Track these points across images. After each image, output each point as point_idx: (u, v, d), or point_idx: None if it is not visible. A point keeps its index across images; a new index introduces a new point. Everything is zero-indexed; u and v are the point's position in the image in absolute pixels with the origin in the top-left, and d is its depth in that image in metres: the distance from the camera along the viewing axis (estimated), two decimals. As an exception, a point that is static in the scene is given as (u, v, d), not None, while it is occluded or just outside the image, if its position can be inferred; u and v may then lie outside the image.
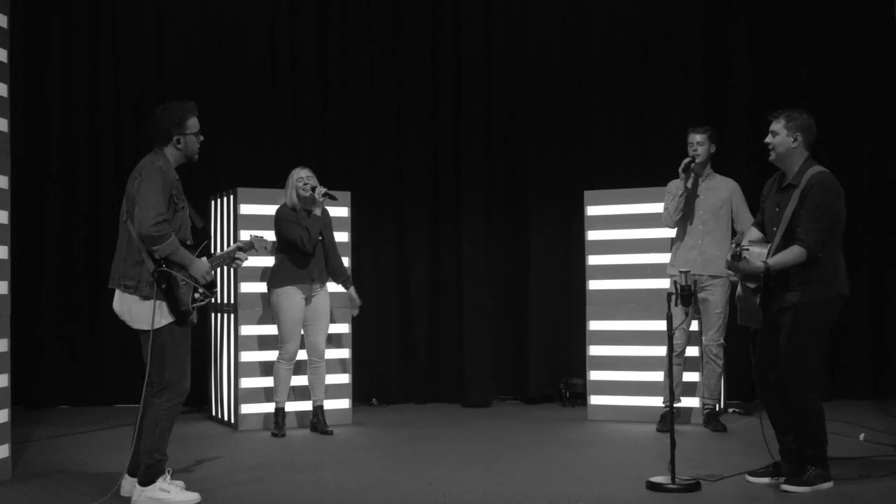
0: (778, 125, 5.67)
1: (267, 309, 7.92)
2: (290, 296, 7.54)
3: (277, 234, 7.52)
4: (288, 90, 9.83)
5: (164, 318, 5.25)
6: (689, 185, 7.59)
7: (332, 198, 7.58)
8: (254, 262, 7.29)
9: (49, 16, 9.57)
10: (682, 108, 9.52)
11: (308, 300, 7.62)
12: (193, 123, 5.44)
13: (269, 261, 7.72)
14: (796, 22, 9.65)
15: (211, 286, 5.45)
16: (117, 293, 5.36)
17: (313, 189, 7.50)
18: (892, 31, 7.34)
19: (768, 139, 5.70)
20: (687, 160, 7.58)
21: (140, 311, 5.27)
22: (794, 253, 5.44)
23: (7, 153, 6.07)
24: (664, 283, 7.83)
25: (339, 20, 9.88)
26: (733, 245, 5.43)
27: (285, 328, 7.58)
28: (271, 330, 7.93)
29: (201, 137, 5.50)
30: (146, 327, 5.25)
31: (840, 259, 5.59)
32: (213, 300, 5.49)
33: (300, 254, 7.48)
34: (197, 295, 5.31)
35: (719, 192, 7.73)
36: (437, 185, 9.91)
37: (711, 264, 7.56)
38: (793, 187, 5.59)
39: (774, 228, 5.63)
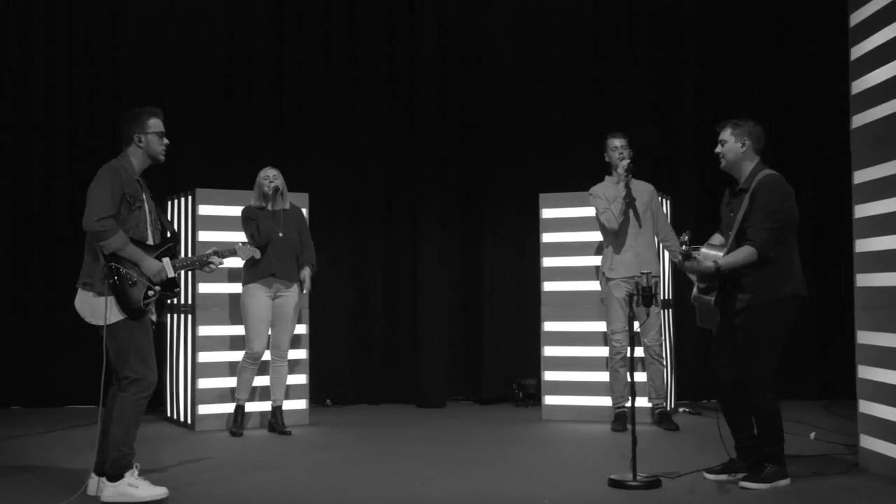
0: (725, 133, 5.83)
1: (225, 309, 7.96)
2: (254, 294, 7.59)
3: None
4: (244, 93, 9.84)
5: (115, 314, 5.31)
6: (627, 187, 7.78)
7: (277, 189, 7.65)
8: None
9: (6, 16, 9.50)
10: (634, 113, 9.70)
11: (274, 298, 7.65)
12: (155, 123, 5.52)
13: (233, 263, 7.73)
14: (743, 26, 9.90)
15: (171, 285, 5.49)
16: (79, 291, 5.43)
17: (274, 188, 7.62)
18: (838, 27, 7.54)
19: (718, 149, 5.86)
20: (627, 162, 7.76)
21: (96, 307, 5.35)
22: (743, 252, 5.57)
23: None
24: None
25: (295, 22, 9.90)
26: (681, 245, 5.56)
27: (249, 326, 7.63)
28: (228, 330, 7.97)
29: (166, 140, 5.56)
30: (101, 323, 5.31)
31: (794, 259, 5.72)
32: (173, 300, 5.54)
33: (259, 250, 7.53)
34: (151, 293, 5.36)
35: (642, 195, 7.95)
36: (393, 187, 9.97)
37: (646, 264, 7.71)
38: (744, 192, 5.74)
39: (729, 232, 5.77)
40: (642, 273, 6.00)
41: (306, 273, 7.76)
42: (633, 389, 6.03)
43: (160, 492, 5.35)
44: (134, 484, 5.31)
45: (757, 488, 5.56)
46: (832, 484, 5.73)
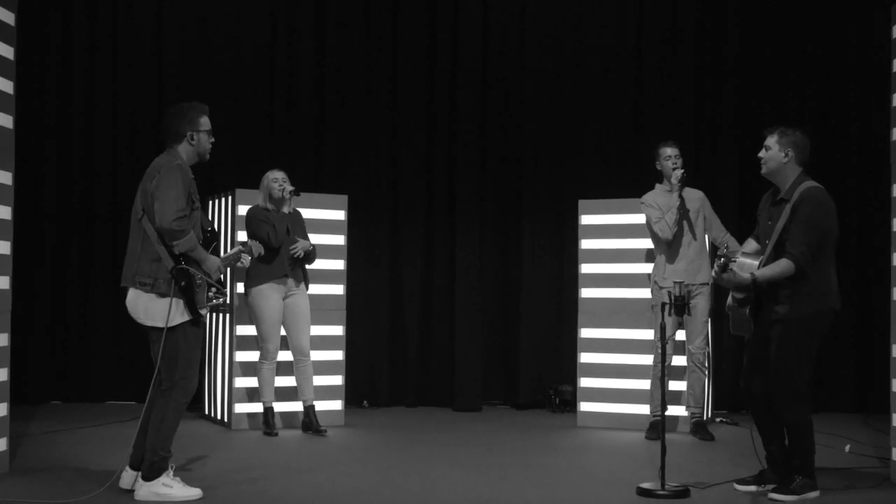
0: (771, 140, 5.78)
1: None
2: (266, 295, 7.65)
3: (249, 234, 7.66)
4: (284, 94, 9.91)
5: (180, 315, 5.32)
6: (681, 197, 7.74)
7: (296, 194, 7.76)
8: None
9: (47, 14, 9.64)
10: (675, 118, 9.66)
11: (286, 298, 7.72)
12: (205, 122, 5.54)
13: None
14: (788, 29, 9.79)
15: (221, 285, 5.54)
16: (131, 291, 5.39)
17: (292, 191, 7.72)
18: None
19: (761, 153, 5.81)
20: (681, 172, 7.71)
21: (156, 309, 5.32)
22: (781, 266, 5.53)
23: (11, 150, 6.13)
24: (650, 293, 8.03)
25: (336, 26, 9.95)
26: (719, 257, 5.53)
27: (263, 327, 7.69)
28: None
29: (212, 138, 5.59)
30: (161, 325, 5.30)
31: (831, 273, 5.67)
32: (224, 300, 5.58)
33: (270, 251, 7.59)
34: (211, 293, 5.39)
35: (693, 202, 7.91)
36: (432, 192, 9.99)
37: (699, 273, 7.72)
38: (785, 202, 5.69)
39: (767, 241, 5.73)
40: (675, 282, 5.98)
41: (303, 245, 7.69)
42: (664, 399, 6.02)
43: (195, 493, 5.40)
44: (168, 484, 5.37)
45: (786, 500, 5.52)
46: (861, 498, 5.67)
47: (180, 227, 5.22)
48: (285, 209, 7.76)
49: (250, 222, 7.67)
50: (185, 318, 5.32)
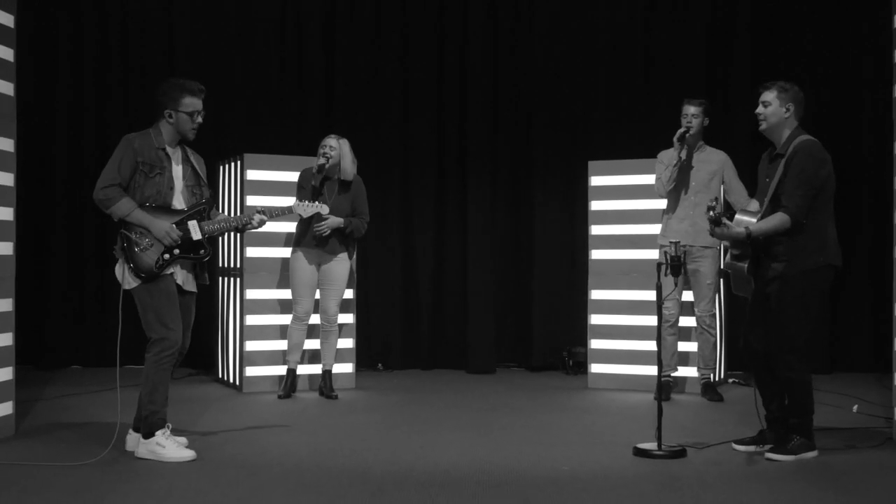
0: (770, 95, 5.71)
1: (275, 274, 8.13)
2: (298, 258, 7.72)
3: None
4: (294, 60, 9.92)
5: (132, 279, 5.49)
6: (683, 155, 7.65)
7: (324, 164, 7.57)
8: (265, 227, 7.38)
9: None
10: (685, 78, 9.56)
11: (324, 264, 7.74)
12: (190, 103, 5.56)
13: (276, 226, 7.83)
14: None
15: (196, 247, 5.60)
16: None
17: (326, 161, 7.58)
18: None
19: (759, 109, 5.74)
20: (682, 130, 7.65)
21: (118, 272, 5.58)
22: (776, 219, 5.48)
23: (13, 117, 6.17)
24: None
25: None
26: (709, 209, 5.48)
27: (294, 288, 7.79)
28: (275, 294, 8.10)
29: (199, 119, 5.60)
30: (125, 286, 5.53)
31: (830, 228, 5.61)
32: (195, 257, 5.64)
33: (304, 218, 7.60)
34: (166, 255, 5.48)
35: (710, 164, 7.81)
36: (443, 157, 9.98)
37: (702, 235, 7.64)
38: (780, 157, 5.64)
39: (764, 198, 5.68)
40: (671, 242, 5.94)
41: (327, 217, 7.49)
42: (660, 358, 6.02)
43: (187, 454, 5.47)
44: (162, 444, 5.46)
45: (782, 460, 5.50)
46: (860, 458, 5.63)
47: (105, 195, 5.44)
48: (333, 175, 7.69)
49: (299, 183, 7.72)
50: (136, 282, 5.48)
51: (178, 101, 5.54)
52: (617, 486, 5.03)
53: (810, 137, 5.63)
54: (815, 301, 5.65)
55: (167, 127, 5.59)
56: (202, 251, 5.66)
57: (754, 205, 5.90)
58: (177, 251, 5.54)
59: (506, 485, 5.00)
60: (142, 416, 5.53)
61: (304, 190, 7.58)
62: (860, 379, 8.82)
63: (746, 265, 5.62)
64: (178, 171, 5.65)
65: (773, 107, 5.70)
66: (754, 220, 5.60)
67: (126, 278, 5.50)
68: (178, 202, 5.61)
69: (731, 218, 5.56)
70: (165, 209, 5.55)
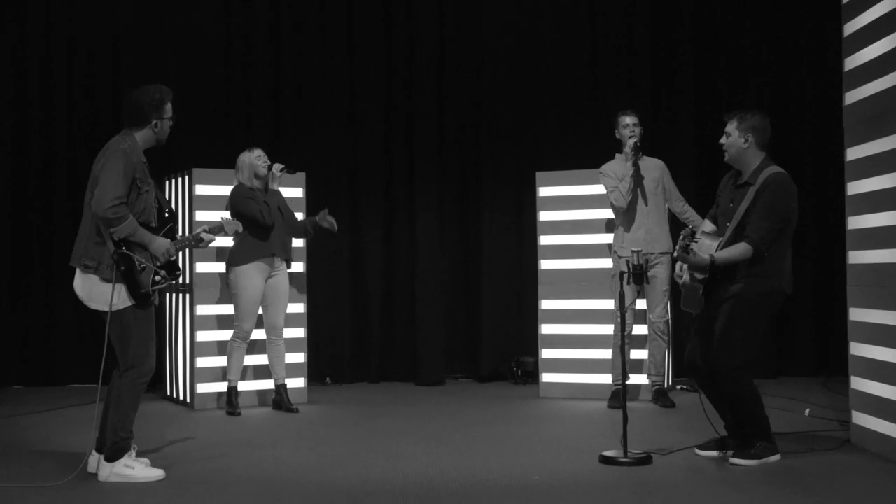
0: (731, 126, 5.83)
1: (223, 289, 7.97)
2: (250, 275, 7.59)
3: (234, 212, 7.52)
4: (240, 70, 9.83)
5: (122, 300, 5.29)
6: (640, 163, 7.77)
7: (291, 172, 7.79)
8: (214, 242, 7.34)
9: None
10: (631, 89, 9.70)
11: (269, 278, 7.69)
12: (169, 108, 5.48)
13: (227, 241, 7.73)
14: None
15: (173, 268, 5.49)
16: (78, 272, 5.39)
17: (271, 166, 7.65)
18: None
19: (722, 140, 5.87)
20: (634, 141, 7.77)
21: (99, 292, 5.31)
22: (739, 249, 5.61)
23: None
24: (610, 263, 8.08)
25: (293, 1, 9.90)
26: (681, 238, 5.57)
27: (242, 307, 7.63)
28: (227, 310, 7.97)
29: (172, 122, 5.53)
30: (105, 308, 5.28)
31: (787, 257, 5.77)
32: (176, 283, 5.53)
33: (260, 229, 7.54)
34: (158, 277, 5.34)
35: (652, 171, 7.95)
36: (391, 168, 9.96)
37: (657, 242, 7.79)
38: (749, 185, 5.75)
39: (728, 223, 5.79)
40: (633, 251, 6.03)
41: (325, 214, 7.86)
42: (625, 367, 6.08)
43: (157, 473, 5.39)
44: (130, 465, 5.36)
45: (747, 464, 5.60)
46: (823, 460, 5.76)
47: (115, 214, 5.17)
48: (274, 185, 7.74)
49: (236, 200, 7.57)
50: (129, 302, 5.29)
51: (163, 108, 5.43)
52: (590, 492, 5.08)
53: (780, 169, 5.75)
54: (762, 322, 5.84)
55: (148, 136, 5.43)
56: (177, 272, 5.56)
57: (708, 225, 6.03)
58: (163, 272, 5.40)
59: (481, 495, 5.02)
60: (109, 440, 5.37)
61: (253, 202, 7.54)
62: (804, 383, 9.00)
63: (702, 288, 5.74)
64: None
65: (732, 137, 5.82)
66: (714, 244, 5.71)
67: (119, 298, 5.26)
68: (153, 219, 5.49)
69: (691, 235, 5.65)
70: (146, 227, 5.38)
